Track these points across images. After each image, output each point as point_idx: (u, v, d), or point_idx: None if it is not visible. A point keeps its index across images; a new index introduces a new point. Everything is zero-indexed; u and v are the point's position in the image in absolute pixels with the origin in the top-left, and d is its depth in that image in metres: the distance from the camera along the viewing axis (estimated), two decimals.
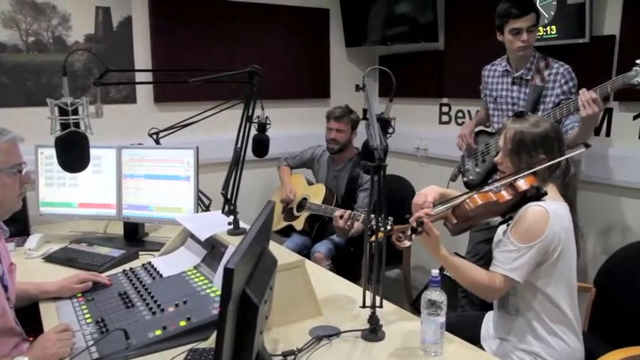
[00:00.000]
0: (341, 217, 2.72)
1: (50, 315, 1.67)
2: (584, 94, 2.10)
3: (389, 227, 2.42)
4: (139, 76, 3.08)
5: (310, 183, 3.28)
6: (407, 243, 1.60)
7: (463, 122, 3.42)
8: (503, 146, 1.74)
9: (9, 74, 2.76)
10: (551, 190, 1.67)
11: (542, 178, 1.68)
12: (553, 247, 1.59)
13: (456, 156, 3.24)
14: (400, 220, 1.85)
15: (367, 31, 3.69)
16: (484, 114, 2.83)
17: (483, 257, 2.58)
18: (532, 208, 1.59)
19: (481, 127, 2.82)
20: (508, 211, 1.69)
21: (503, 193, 1.64)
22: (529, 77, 2.46)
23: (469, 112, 3.39)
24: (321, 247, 2.99)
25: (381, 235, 1.51)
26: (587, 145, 1.71)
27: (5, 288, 1.51)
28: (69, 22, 2.88)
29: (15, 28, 2.75)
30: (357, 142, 3.11)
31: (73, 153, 1.61)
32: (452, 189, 1.87)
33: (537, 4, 2.38)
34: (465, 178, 2.77)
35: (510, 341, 1.70)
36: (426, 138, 3.63)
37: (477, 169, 2.70)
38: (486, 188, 1.69)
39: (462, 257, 1.88)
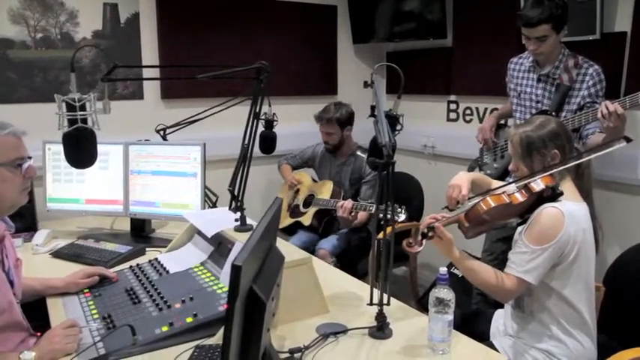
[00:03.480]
0: (344, 207, 2.73)
1: (57, 311, 1.68)
2: (607, 107, 2.01)
3: (403, 217, 2.42)
4: (146, 72, 3.08)
5: (315, 181, 3.28)
6: (417, 248, 1.59)
7: (471, 120, 3.41)
8: (513, 153, 1.72)
9: (17, 70, 2.77)
10: (568, 188, 1.64)
11: (557, 172, 1.64)
12: (568, 249, 1.57)
13: (463, 153, 3.23)
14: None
15: (375, 27, 3.67)
16: (510, 107, 2.72)
17: (499, 256, 2.54)
18: (547, 210, 1.57)
19: (503, 122, 2.77)
20: (525, 213, 1.64)
21: (517, 195, 1.60)
22: (556, 76, 2.37)
23: (477, 109, 3.37)
24: (326, 244, 2.99)
25: (389, 230, 1.50)
26: (628, 140, 1.58)
27: (11, 283, 1.51)
28: (76, 18, 2.89)
29: (23, 25, 2.75)
30: (357, 137, 3.13)
31: (81, 149, 1.61)
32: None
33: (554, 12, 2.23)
34: (482, 172, 2.71)
35: (524, 339, 1.69)
36: (433, 135, 3.61)
37: (494, 165, 2.65)
38: (500, 190, 1.66)
39: (475, 257, 1.86)
